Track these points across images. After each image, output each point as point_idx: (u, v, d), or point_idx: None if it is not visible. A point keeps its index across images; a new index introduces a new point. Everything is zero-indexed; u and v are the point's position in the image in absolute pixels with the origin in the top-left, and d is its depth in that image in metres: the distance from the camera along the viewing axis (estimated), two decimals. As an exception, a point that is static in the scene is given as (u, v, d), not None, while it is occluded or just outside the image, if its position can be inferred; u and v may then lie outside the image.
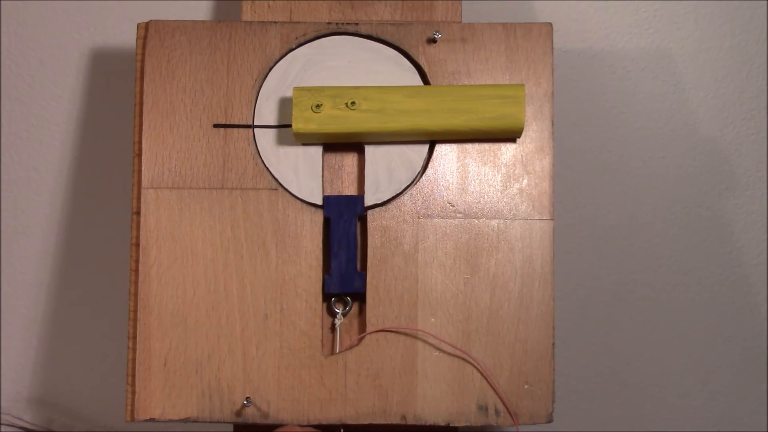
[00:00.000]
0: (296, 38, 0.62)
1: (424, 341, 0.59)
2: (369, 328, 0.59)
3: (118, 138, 0.74)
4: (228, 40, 0.61)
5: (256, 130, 0.61)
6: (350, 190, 0.62)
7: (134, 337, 0.59)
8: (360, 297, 0.61)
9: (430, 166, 0.61)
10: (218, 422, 0.59)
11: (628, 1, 0.75)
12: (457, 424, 0.59)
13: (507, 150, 0.61)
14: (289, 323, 0.59)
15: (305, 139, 0.60)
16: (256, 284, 0.59)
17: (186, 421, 0.59)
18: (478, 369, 0.59)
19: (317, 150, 0.61)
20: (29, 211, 0.75)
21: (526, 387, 0.59)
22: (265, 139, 0.61)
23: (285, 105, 0.61)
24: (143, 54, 0.61)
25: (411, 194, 0.60)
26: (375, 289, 0.60)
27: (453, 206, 0.60)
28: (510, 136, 0.60)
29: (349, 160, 0.62)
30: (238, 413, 0.59)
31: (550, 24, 0.62)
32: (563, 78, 0.74)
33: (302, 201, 0.60)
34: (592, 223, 0.74)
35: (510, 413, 0.59)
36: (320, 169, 0.61)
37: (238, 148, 0.60)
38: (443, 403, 0.59)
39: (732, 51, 0.75)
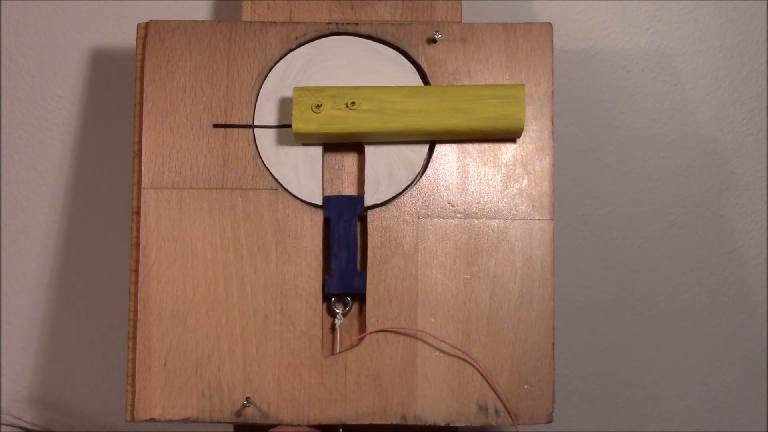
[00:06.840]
0: (296, 38, 0.62)
1: (424, 341, 0.59)
2: (369, 328, 0.59)
3: (118, 138, 0.74)
4: (228, 40, 0.61)
5: (256, 130, 0.61)
6: (350, 190, 0.62)
7: (134, 337, 0.59)
8: (360, 297, 0.61)
9: (430, 166, 0.61)
10: (218, 422, 0.59)
11: (628, 1, 0.75)
12: (457, 424, 0.59)
13: (507, 150, 0.61)
14: (289, 323, 0.59)
15: (305, 139, 0.60)
16: (256, 284, 0.59)
17: (186, 421, 0.59)
18: (478, 369, 0.59)
19: (317, 150, 0.61)
20: (29, 211, 0.75)
21: (526, 387, 0.59)
22: (265, 139, 0.61)
23: (285, 105, 0.61)
24: (143, 54, 0.61)
25: (411, 194, 0.60)
26: (375, 289, 0.60)
27: (453, 206, 0.60)
28: (510, 136, 0.60)
29: (349, 160, 0.62)
30: (238, 413, 0.59)
31: (550, 24, 0.62)
32: (563, 78, 0.74)
33: (302, 201, 0.60)
34: (592, 223, 0.74)
35: (510, 413, 0.59)
36: (320, 169, 0.61)
37: (238, 148, 0.60)
38: (443, 403, 0.59)
39: (732, 51, 0.75)
